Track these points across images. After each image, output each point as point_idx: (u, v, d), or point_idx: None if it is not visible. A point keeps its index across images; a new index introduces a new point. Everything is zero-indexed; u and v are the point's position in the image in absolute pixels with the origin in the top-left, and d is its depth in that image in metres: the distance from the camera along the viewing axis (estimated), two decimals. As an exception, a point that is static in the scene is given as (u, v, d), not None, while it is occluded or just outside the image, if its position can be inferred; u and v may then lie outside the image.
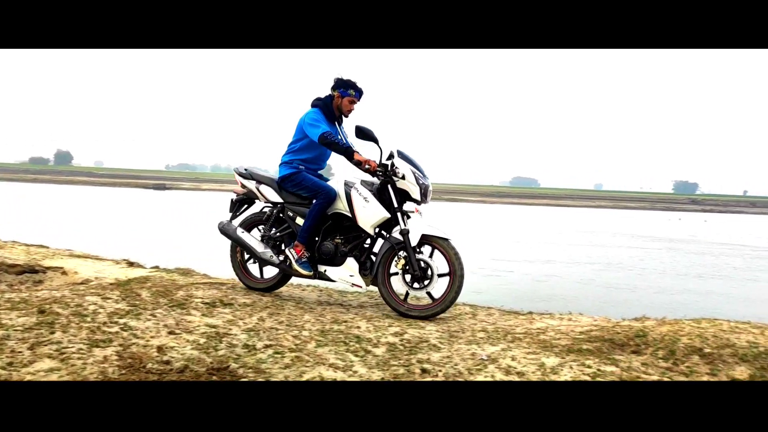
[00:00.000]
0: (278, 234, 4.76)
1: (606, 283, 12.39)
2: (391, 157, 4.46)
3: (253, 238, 4.77)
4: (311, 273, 4.55)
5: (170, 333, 3.54)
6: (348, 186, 4.51)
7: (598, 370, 3.18)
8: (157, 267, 6.13)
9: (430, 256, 4.36)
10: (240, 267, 4.97)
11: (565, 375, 3.12)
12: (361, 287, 4.49)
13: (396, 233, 4.40)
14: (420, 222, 4.38)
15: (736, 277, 14.20)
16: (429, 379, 3.13)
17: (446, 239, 4.29)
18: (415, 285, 4.34)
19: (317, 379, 3.07)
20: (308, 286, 5.45)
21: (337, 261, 4.52)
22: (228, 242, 4.99)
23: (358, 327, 3.97)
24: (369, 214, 4.41)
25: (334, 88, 4.62)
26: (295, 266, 4.53)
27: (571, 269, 14.60)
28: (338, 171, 4.85)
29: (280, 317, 4.09)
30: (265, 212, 4.87)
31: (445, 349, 3.59)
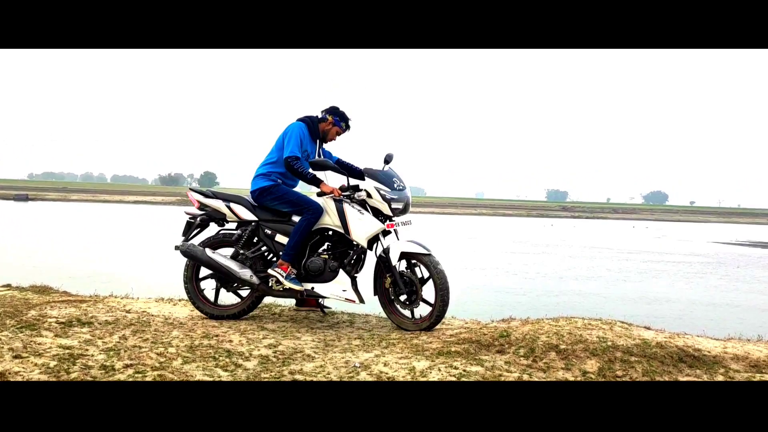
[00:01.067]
0: (253, 254, 4.52)
1: (491, 287, 12.95)
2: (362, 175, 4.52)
3: (227, 259, 4.47)
4: (302, 288, 4.38)
5: (15, 357, 3.23)
6: (338, 201, 4.40)
7: (464, 370, 3.30)
8: (8, 285, 5.58)
9: (411, 270, 4.35)
10: (197, 293, 4.58)
11: (434, 377, 3.21)
12: (354, 301, 4.36)
13: (381, 249, 4.41)
14: (400, 239, 4.39)
15: (611, 278, 15.42)
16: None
17: (428, 254, 4.27)
18: (402, 299, 4.35)
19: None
20: (180, 300, 5.20)
21: (326, 276, 4.38)
22: (181, 264, 4.64)
23: (230, 341, 3.84)
24: (364, 226, 4.33)
25: (329, 114, 4.67)
26: (287, 283, 4.33)
27: (457, 274, 15.15)
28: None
29: (145, 334, 3.86)
30: (234, 232, 4.59)
31: (319, 359, 3.57)
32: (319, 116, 4.69)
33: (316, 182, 4.46)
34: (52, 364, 3.18)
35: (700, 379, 3.30)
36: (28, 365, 3.13)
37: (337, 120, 4.68)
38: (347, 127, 4.75)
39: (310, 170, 4.49)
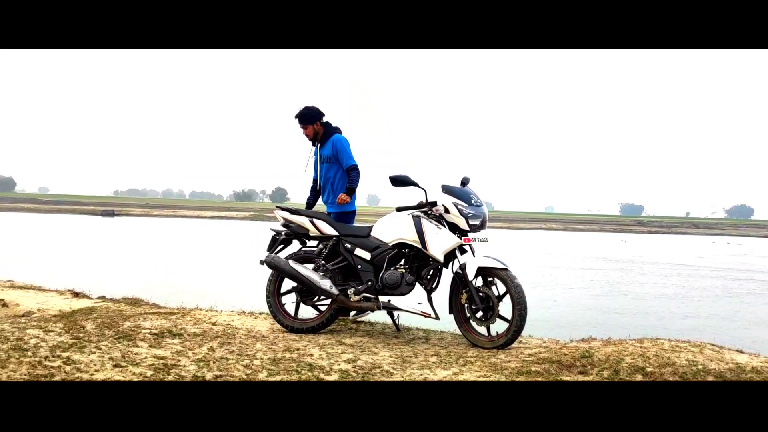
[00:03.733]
0: (334, 267, 4.70)
1: (566, 304, 12.63)
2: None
3: (310, 270, 4.67)
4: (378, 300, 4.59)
5: (116, 366, 3.44)
6: (416, 217, 4.51)
7: (546, 391, 3.25)
8: (103, 297, 5.96)
9: (488, 286, 4.36)
10: (278, 307, 4.78)
11: (515, 397, 3.17)
12: (430, 315, 4.44)
13: (457, 265, 4.45)
14: (476, 255, 4.44)
15: (694, 296, 14.73)
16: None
17: (505, 269, 4.29)
18: (478, 315, 4.36)
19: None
20: (261, 314, 5.39)
21: (403, 289, 4.49)
22: (266, 276, 4.84)
23: (311, 355, 3.95)
24: (441, 241, 4.40)
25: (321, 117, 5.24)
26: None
27: (533, 291, 14.87)
28: (395, 202, 4.87)
29: (231, 347, 4.03)
30: (316, 248, 4.80)
31: (398, 375, 3.60)
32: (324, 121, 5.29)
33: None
34: (149, 373, 3.37)
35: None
36: (127, 374, 3.34)
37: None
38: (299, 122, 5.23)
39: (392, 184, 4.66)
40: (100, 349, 3.71)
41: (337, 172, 5.17)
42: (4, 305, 5.40)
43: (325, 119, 5.25)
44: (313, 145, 5.28)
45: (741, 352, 3.91)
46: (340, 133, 5.23)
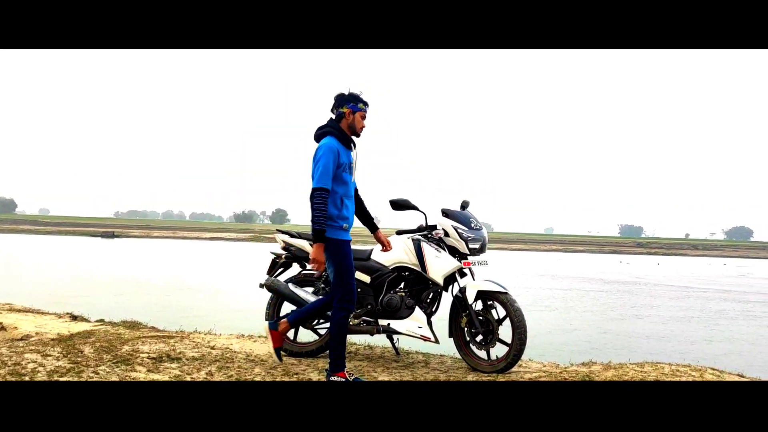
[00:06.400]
0: None
1: (564, 327, 12.56)
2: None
3: (309, 293, 4.67)
4: (378, 324, 4.48)
5: (114, 391, 3.42)
6: (415, 240, 4.53)
7: (546, 416, 3.22)
8: (102, 320, 5.93)
9: (487, 310, 4.36)
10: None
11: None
12: (430, 339, 4.40)
13: (457, 289, 4.46)
14: (476, 278, 4.45)
15: (694, 318, 14.66)
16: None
17: (504, 292, 4.29)
18: (478, 339, 4.35)
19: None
20: (260, 337, 5.37)
21: (402, 313, 4.48)
22: (265, 299, 4.82)
23: (309, 379, 3.92)
24: (441, 264, 4.41)
25: (342, 105, 3.96)
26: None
27: (533, 314, 14.80)
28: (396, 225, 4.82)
29: (229, 371, 4.01)
30: (316, 271, 4.80)
31: (397, 400, 3.58)
32: (335, 115, 4.00)
33: (316, 236, 3.76)
34: (147, 398, 3.35)
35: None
36: (124, 399, 3.32)
37: (353, 106, 3.96)
38: (365, 103, 4.01)
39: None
40: (98, 374, 3.69)
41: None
42: (2, 328, 5.38)
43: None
44: (353, 146, 4.12)
45: (742, 376, 3.89)
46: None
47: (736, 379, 3.76)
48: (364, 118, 4.00)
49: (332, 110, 4.00)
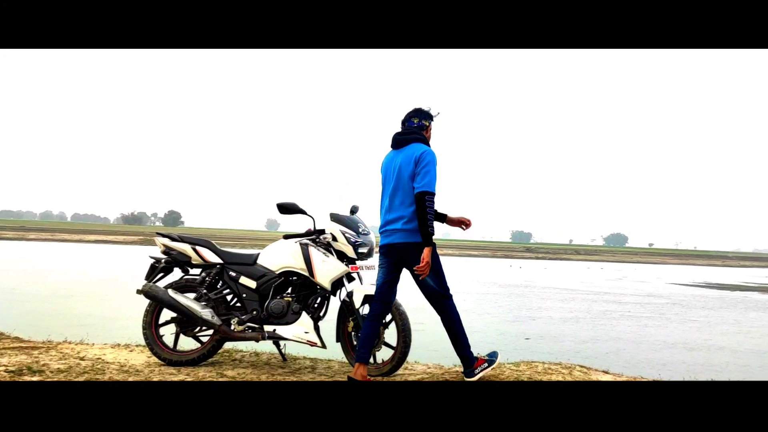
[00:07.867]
0: (216, 296, 4.50)
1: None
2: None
3: (190, 300, 4.41)
4: (265, 332, 4.39)
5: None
6: (303, 244, 4.43)
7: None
8: (-45, 331, 5.37)
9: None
10: (155, 339, 4.48)
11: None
12: (316, 344, 4.32)
13: (345, 293, 4.43)
14: (363, 282, 4.43)
15: (579, 319, 15.59)
16: None
17: None
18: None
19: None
20: (137, 346, 5.08)
21: (289, 318, 4.36)
22: (143, 306, 4.53)
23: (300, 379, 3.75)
24: (328, 268, 4.36)
25: (425, 119, 4.09)
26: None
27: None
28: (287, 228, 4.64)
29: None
30: (198, 277, 4.57)
31: (279, 407, 3.50)
32: (416, 124, 4.08)
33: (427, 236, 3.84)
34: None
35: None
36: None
37: (431, 122, 4.15)
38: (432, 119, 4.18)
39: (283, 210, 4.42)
40: (-58, 390, 3.31)
41: None
42: None
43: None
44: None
45: (606, 372, 4.18)
46: None
47: (602, 376, 4.02)
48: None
49: (411, 119, 4.08)
